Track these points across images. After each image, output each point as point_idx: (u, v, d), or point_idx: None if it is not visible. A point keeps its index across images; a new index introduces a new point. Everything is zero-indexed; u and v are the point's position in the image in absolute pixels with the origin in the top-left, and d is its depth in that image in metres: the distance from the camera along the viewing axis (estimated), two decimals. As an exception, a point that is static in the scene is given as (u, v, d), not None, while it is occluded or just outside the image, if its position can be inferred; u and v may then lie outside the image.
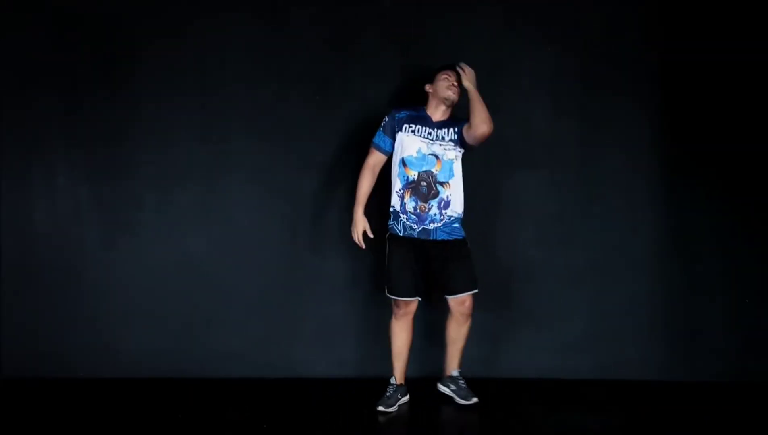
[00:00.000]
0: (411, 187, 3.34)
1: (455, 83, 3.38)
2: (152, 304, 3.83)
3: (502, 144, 3.76)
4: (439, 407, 3.47)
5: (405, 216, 3.36)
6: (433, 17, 3.84)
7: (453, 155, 3.38)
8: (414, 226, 3.35)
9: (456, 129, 3.41)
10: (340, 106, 3.84)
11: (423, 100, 3.73)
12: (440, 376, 3.60)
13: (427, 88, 3.45)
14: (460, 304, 3.41)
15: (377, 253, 3.79)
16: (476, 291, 3.41)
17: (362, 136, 3.78)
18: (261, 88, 3.82)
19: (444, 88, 3.39)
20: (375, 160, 3.45)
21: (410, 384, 3.54)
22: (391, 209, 3.42)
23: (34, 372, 3.76)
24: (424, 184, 3.32)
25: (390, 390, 3.43)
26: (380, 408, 3.35)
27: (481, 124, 3.27)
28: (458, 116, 3.47)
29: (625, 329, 3.86)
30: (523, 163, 3.85)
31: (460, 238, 3.42)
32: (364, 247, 3.43)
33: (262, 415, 3.32)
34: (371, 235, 3.41)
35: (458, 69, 3.39)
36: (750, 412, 3.41)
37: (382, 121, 3.44)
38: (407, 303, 3.40)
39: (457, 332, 3.47)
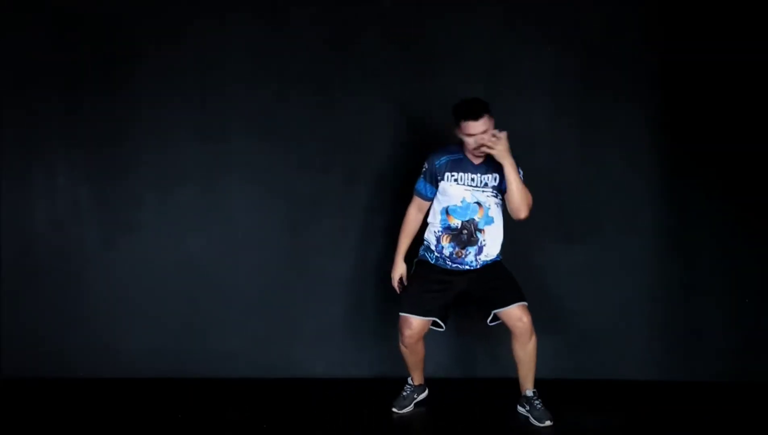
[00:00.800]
0: (452, 234, 3.23)
1: (483, 147, 3.11)
2: (152, 304, 3.83)
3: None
4: (438, 408, 3.46)
5: (440, 255, 3.27)
6: (433, 17, 3.82)
7: (493, 202, 3.24)
8: (448, 264, 3.27)
9: (497, 175, 3.21)
10: (340, 106, 3.83)
11: (423, 100, 3.80)
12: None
13: (457, 133, 3.18)
14: (516, 319, 3.21)
15: (376, 254, 3.84)
16: (526, 303, 3.25)
17: (362, 137, 3.82)
18: (261, 88, 3.81)
19: (473, 150, 3.16)
20: (419, 205, 3.33)
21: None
22: (425, 242, 3.34)
23: (34, 372, 3.76)
24: (466, 232, 3.22)
25: (407, 390, 3.43)
26: (394, 409, 3.36)
27: (517, 211, 3.16)
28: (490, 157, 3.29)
29: (624, 329, 3.85)
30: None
31: (497, 259, 3.33)
32: (399, 291, 3.38)
33: (262, 415, 3.32)
34: (405, 283, 3.36)
35: (490, 142, 3.09)
36: (750, 412, 3.40)
37: (422, 168, 3.29)
38: (419, 323, 3.24)
39: (523, 352, 3.27)
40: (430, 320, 3.28)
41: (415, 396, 3.42)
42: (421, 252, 3.38)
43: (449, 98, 3.62)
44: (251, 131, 3.82)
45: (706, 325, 3.84)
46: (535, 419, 3.28)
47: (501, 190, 3.25)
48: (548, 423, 3.24)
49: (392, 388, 3.52)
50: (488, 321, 3.33)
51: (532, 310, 3.71)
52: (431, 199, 3.31)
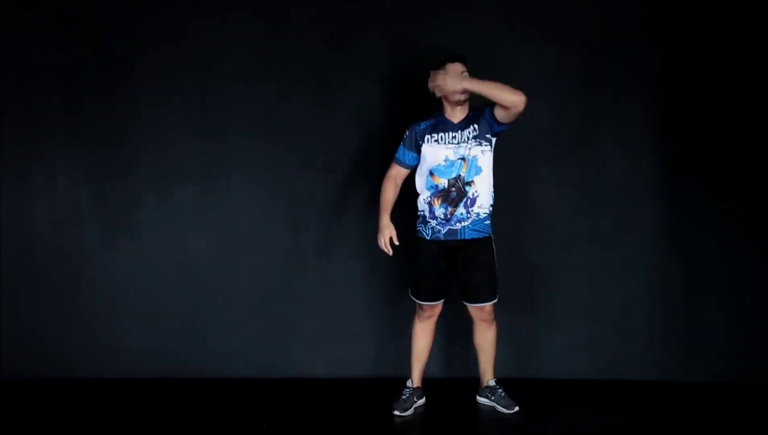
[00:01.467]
0: (440, 195, 3.25)
1: (436, 89, 3.23)
2: (152, 304, 3.83)
3: (502, 145, 3.67)
4: (439, 408, 3.45)
5: (434, 221, 3.28)
6: (433, 17, 3.81)
7: (477, 151, 3.23)
8: (441, 228, 3.27)
9: (476, 125, 3.24)
10: (340, 106, 3.83)
11: (424, 100, 3.70)
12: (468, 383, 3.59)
13: (431, 88, 3.26)
14: (479, 310, 3.35)
15: (377, 254, 3.73)
16: (495, 300, 3.34)
17: (362, 136, 3.81)
18: (261, 88, 3.81)
19: (447, 93, 3.22)
20: (396, 172, 3.35)
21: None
22: (419, 213, 3.35)
23: (34, 372, 3.76)
24: (454, 190, 3.23)
25: (406, 393, 3.40)
26: (396, 412, 3.32)
27: (508, 103, 3.09)
28: (476, 106, 3.31)
29: (624, 329, 3.84)
30: (523, 163, 3.84)
31: (487, 235, 3.33)
32: (391, 253, 3.31)
33: (262, 415, 3.31)
34: (397, 242, 3.29)
35: (435, 85, 3.20)
36: (750, 412, 3.39)
37: (402, 136, 3.33)
38: (432, 306, 3.36)
39: (483, 339, 3.41)
40: (440, 302, 3.38)
41: (415, 399, 3.40)
42: (417, 226, 3.37)
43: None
44: (251, 131, 3.82)
45: (706, 325, 3.83)
46: (503, 407, 3.37)
47: (484, 136, 3.26)
48: (516, 409, 3.35)
49: (392, 389, 3.52)
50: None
51: (532, 309, 3.81)
52: (410, 167, 3.35)
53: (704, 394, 3.62)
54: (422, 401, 3.44)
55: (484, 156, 3.26)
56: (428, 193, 3.28)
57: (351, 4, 3.82)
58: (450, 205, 3.25)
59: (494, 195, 3.34)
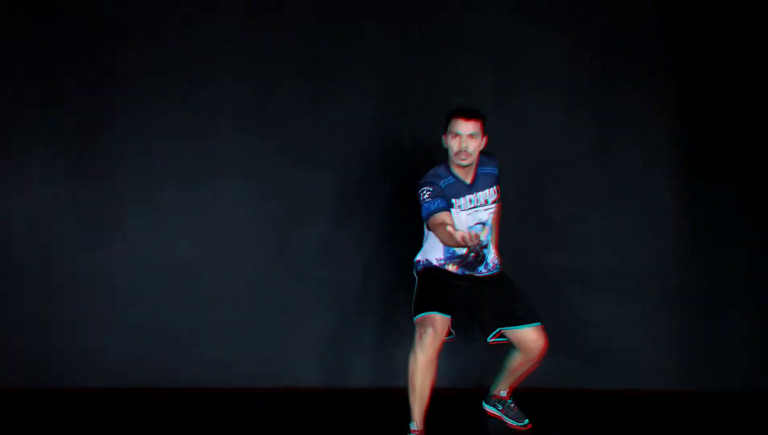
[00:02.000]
0: (457, 261, 3.12)
1: (466, 148, 3.00)
2: (139, 309, 3.75)
3: (512, 142, 3.71)
4: (446, 419, 3.34)
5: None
6: (438, 6, 3.76)
7: (491, 213, 3.16)
8: (459, 272, 3.16)
9: (494, 188, 3.14)
10: (333, 104, 3.78)
11: (429, 93, 3.75)
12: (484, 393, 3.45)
13: (444, 140, 3.07)
14: (532, 341, 3.09)
15: (372, 258, 3.79)
16: (541, 324, 3.13)
17: (356, 135, 3.77)
18: (250, 83, 3.76)
19: (454, 155, 3.03)
20: (444, 217, 2.95)
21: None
22: (422, 262, 3.19)
23: (14, 383, 3.68)
24: (473, 254, 3.06)
25: None
26: None
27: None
28: (487, 160, 3.17)
29: (644, 337, 3.78)
30: (535, 163, 3.79)
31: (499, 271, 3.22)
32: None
33: (252, 427, 3.29)
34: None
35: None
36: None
37: (423, 194, 3.01)
38: (442, 321, 2.98)
39: (523, 367, 3.20)
40: (447, 319, 3.02)
41: None
42: (422, 265, 3.19)
43: (456, 92, 3.64)
44: (240, 128, 3.76)
45: (729, 334, 3.77)
46: (513, 419, 3.31)
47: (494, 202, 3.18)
48: (527, 422, 3.29)
49: (389, 398, 3.44)
50: (489, 338, 3.18)
51: (546, 316, 3.59)
52: (450, 209, 3.03)
53: (728, 405, 3.57)
54: None
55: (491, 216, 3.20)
56: (443, 256, 3.14)
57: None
58: (467, 269, 3.13)
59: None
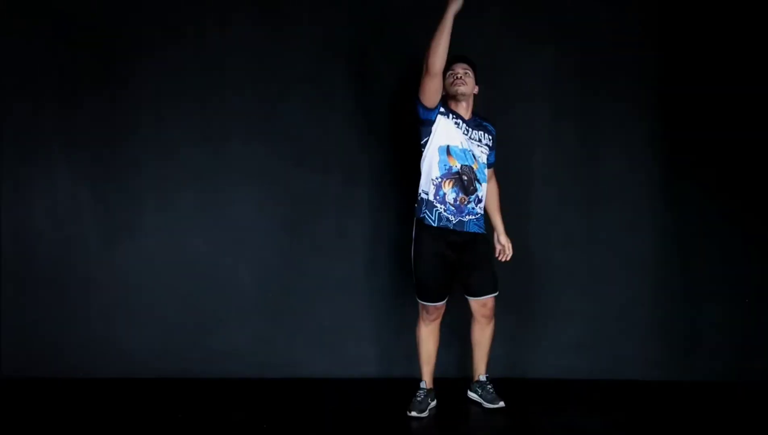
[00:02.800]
0: (453, 178, 3.21)
1: (461, 76, 3.24)
2: (153, 304, 3.83)
3: (502, 145, 3.71)
4: (439, 408, 3.44)
5: (443, 206, 3.22)
6: (433, 17, 3.73)
7: (484, 158, 3.32)
8: (451, 217, 3.22)
9: (490, 137, 3.35)
10: (339, 107, 3.83)
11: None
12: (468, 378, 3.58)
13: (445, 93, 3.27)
14: (481, 305, 3.35)
15: (377, 254, 3.85)
16: (497, 293, 3.37)
17: (361, 137, 3.81)
18: (261, 89, 3.81)
19: (449, 85, 3.24)
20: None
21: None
22: (423, 196, 3.26)
23: (34, 372, 3.75)
24: (466, 178, 3.21)
25: (421, 395, 3.34)
26: (413, 413, 3.25)
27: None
28: (485, 117, 3.39)
29: (624, 330, 3.84)
30: (523, 164, 3.84)
31: (484, 232, 3.37)
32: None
33: (263, 415, 3.30)
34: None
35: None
36: (749, 412, 3.39)
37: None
38: (438, 308, 3.32)
39: (481, 335, 3.42)
40: (444, 303, 3.33)
41: (429, 401, 3.34)
42: (421, 213, 3.27)
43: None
44: (251, 132, 3.82)
45: (706, 326, 3.84)
46: (488, 402, 3.40)
47: (487, 158, 3.34)
48: (501, 404, 3.38)
49: (394, 388, 3.52)
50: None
51: (531, 310, 3.82)
52: (435, 108, 3.18)
53: (704, 394, 3.62)
54: (435, 403, 3.39)
55: (485, 168, 3.33)
56: (438, 173, 3.22)
57: (350, 6, 3.82)
58: (462, 191, 3.22)
59: None
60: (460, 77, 3.24)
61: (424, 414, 3.27)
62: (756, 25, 3.78)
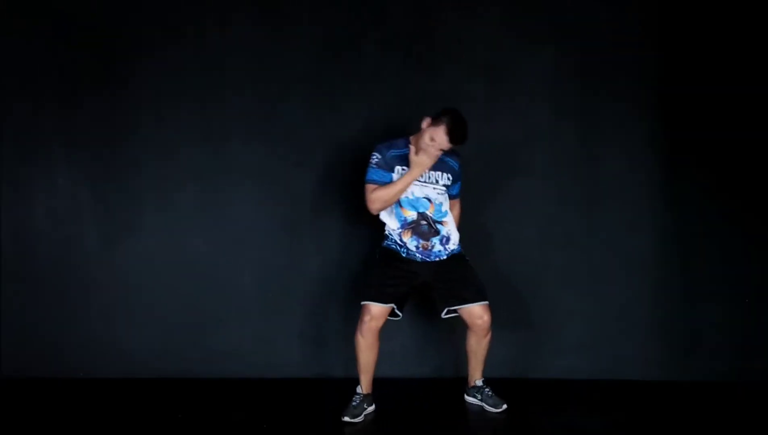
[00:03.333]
0: (411, 227, 3.25)
1: (438, 154, 3.17)
2: (152, 304, 3.82)
3: (502, 145, 3.78)
4: (443, 409, 3.45)
5: (407, 250, 3.28)
6: (433, 18, 3.82)
7: (442, 199, 3.31)
8: (417, 254, 3.28)
9: (449, 176, 3.32)
10: (340, 107, 3.83)
11: (423, 100, 3.76)
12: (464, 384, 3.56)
13: (424, 125, 3.17)
14: (477, 317, 3.27)
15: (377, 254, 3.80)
16: (487, 302, 3.30)
17: (361, 137, 3.79)
18: (261, 89, 3.81)
19: (425, 147, 3.15)
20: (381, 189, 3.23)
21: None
22: (390, 240, 3.33)
23: (34, 372, 3.75)
24: (424, 223, 3.24)
25: (356, 400, 3.30)
26: (346, 418, 3.23)
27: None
28: (450, 153, 3.32)
29: (624, 329, 3.84)
30: (522, 164, 3.84)
31: (459, 251, 3.36)
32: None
33: (262, 415, 3.30)
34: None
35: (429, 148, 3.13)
36: (749, 412, 3.39)
37: (371, 159, 3.26)
38: (378, 310, 3.21)
39: (479, 346, 3.38)
40: (390, 307, 3.24)
41: (365, 406, 3.30)
42: (387, 243, 3.33)
43: (449, 98, 3.64)
44: (251, 132, 3.82)
45: (706, 326, 3.83)
46: (491, 406, 3.37)
47: (447, 192, 3.33)
48: (504, 407, 3.35)
49: (393, 388, 3.53)
50: (442, 314, 3.35)
51: (531, 310, 3.82)
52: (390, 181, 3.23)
53: (704, 394, 3.62)
54: (372, 408, 3.34)
55: (446, 203, 3.32)
56: (397, 225, 3.28)
57: (351, 6, 3.83)
58: (422, 238, 3.25)
59: (465, 205, 3.48)
60: (438, 155, 3.18)
61: (358, 419, 3.25)
62: (756, 25, 3.79)
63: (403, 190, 3.19)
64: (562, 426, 3.21)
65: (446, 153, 3.24)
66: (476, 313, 3.28)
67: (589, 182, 3.85)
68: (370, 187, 3.23)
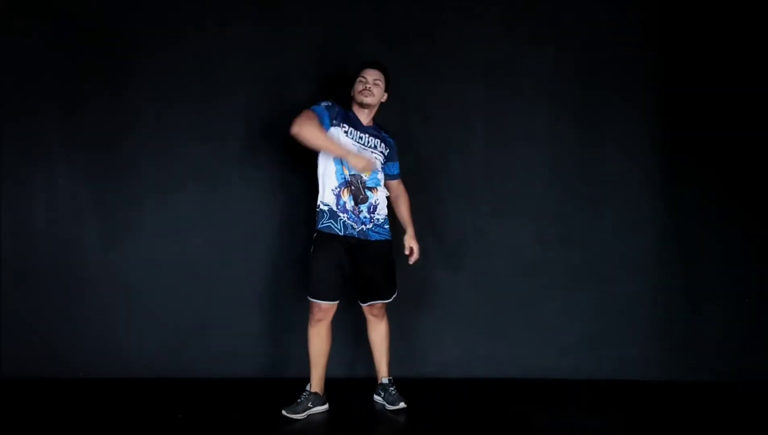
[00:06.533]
0: (347, 186, 3.22)
1: (370, 86, 3.23)
2: (152, 304, 3.81)
3: (502, 144, 3.79)
4: (442, 410, 3.44)
5: (345, 215, 3.22)
6: (432, 18, 3.83)
7: (379, 166, 3.31)
8: (354, 225, 3.23)
9: (386, 147, 3.35)
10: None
11: (422, 100, 3.81)
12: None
13: (354, 90, 3.29)
14: (371, 307, 3.36)
15: None
16: (389, 300, 3.36)
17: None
18: (261, 89, 3.82)
19: (357, 92, 3.26)
20: (317, 123, 3.16)
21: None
22: (324, 208, 3.24)
23: (34, 372, 3.74)
24: (354, 187, 3.22)
25: (302, 397, 3.27)
26: (284, 412, 3.19)
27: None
28: (384, 126, 3.39)
29: (624, 329, 3.85)
30: (523, 164, 3.85)
31: (388, 238, 3.35)
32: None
33: (264, 415, 3.27)
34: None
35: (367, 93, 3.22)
36: (749, 412, 3.39)
37: (322, 100, 3.24)
38: (329, 307, 3.24)
39: (376, 334, 3.41)
40: (335, 303, 3.26)
41: (309, 405, 3.25)
42: (323, 223, 3.26)
43: (448, 99, 3.75)
44: (251, 132, 3.81)
45: (706, 325, 3.84)
46: (389, 404, 3.33)
47: (382, 165, 3.33)
48: (402, 405, 3.31)
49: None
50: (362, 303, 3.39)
51: (532, 309, 3.81)
52: (325, 131, 3.19)
53: (704, 394, 3.62)
54: (322, 408, 3.30)
55: (380, 174, 3.31)
56: (337, 183, 3.22)
57: (350, 6, 3.83)
58: (354, 200, 3.23)
59: (466, 202, 3.57)
60: (369, 87, 3.24)
61: (298, 416, 3.20)
62: (756, 25, 3.79)
63: (328, 149, 3.17)
64: (563, 426, 3.20)
65: (385, 131, 3.36)
66: (378, 306, 3.36)
67: (589, 182, 3.86)
68: (309, 113, 3.16)
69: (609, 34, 3.83)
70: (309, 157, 3.69)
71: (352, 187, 3.22)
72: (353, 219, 3.23)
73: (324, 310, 3.25)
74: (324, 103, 3.22)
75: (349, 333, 3.75)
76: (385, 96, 3.33)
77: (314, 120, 3.14)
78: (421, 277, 3.79)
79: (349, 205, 3.22)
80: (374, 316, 3.40)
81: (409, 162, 3.65)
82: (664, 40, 3.84)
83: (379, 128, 3.37)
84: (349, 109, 3.33)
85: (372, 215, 3.28)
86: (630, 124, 3.83)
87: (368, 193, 3.25)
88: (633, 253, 3.84)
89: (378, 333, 3.42)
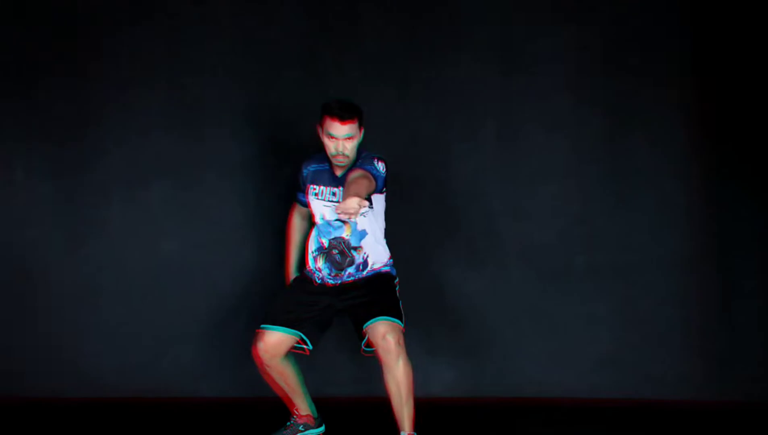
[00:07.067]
0: (324, 254, 2.98)
1: (341, 150, 2.88)
2: (123, 313, 3.69)
3: (520, 138, 3.72)
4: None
5: (320, 277, 3.02)
6: (444, 6, 3.73)
7: (361, 217, 2.94)
8: (330, 281, 2.99)
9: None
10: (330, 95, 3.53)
11: (432, 86, 3.73)
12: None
13: (319, 132, 2.95)
14: (379, 337, 2.82)
15: None
16: (394, 320, 2.87)
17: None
18: (240, 77, 3.72)
19: (330, 156, 2.94)
20: (300, 211, 3.17)
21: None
22: (308, 265, 3.07)
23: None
24: (336, 251, 2.96)
25: (286, 425, 3.07)
26: None
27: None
28: (369, 161, 2.99)
29: (655, 343, 3.71)
30: (544, 159, 3.73)
31: (387, 272, 3.03)
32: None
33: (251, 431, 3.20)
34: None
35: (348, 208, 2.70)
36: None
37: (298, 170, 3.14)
38: (276, 341, 2.88)
39: (390, 378, 2.85)
40: (289, 336, 2.92)
41: (301, 429, 3.05)
42: (306, 269, 3.12)
43: (457, 85, 3.68)
44: (228, 124, 3.72)
45: (746, 338, 3.68)
46: None
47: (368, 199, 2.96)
48: None
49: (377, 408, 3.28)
50: (363, 346, 2.96)
51: (551, 319, 3.71)
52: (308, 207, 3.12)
53: (743, 416, 3.47)
54: (320, 430, 3.10)
55: (365, 218, 2.97)
56: (314, 247, 3.04)
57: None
58: (335, 267, 2.98)
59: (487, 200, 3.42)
60: (341, 152, 2.90)
61: None
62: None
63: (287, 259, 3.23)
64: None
65: (365, 160, 2.96)
66: (379, 331, 2.84)
67: (617, 178, 3.74)
68: (293, 206, 3.22)
69: (639, 7, 3.71)
70: (291, 155, 3.61)
71: (334, 252, 2.96)
72: (331, 281, 3.00)
73: (265, 341, 2.89)
74: (299, 177, 3.12)
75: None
76: (361, 132, 2.98)
77: (294, 215, 3.20)
78: (425, 285, 3.69)
79: (325, 272, 2.98)
80: (385, 351, 2.82)
81: (411, 156, 3.63)
82: (703, 13, 3.71)
83: (361, 163, 2.99)
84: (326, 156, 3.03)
85: (361, 274, 2.98)
86: (664, 113, 3.73)
87: (354, 253, 2.97)
88: (665, 257, 3.72)
89: (393, 379, 2.84)
